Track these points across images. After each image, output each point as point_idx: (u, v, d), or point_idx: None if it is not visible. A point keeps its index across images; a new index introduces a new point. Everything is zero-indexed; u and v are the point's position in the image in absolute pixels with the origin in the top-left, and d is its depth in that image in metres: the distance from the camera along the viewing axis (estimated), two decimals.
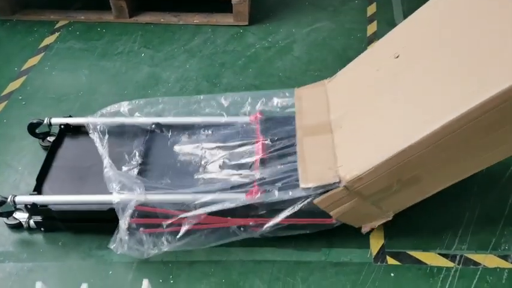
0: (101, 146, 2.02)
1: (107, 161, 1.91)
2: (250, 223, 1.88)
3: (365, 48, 2.90)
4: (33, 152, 2.35)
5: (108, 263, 1.92)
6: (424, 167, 1.67)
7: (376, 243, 1.95)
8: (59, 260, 1.93)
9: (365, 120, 1.85)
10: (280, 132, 2.06)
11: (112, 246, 1.81)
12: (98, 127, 2.10)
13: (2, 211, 1.94)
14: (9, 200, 1.90)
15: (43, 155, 2.17)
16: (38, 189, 1.97)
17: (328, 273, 1.87)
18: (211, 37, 3.05)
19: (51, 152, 2.13)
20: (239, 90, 2.66)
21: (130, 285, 1.84)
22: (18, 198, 1.91)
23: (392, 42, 2.03)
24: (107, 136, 2.09)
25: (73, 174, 2.05)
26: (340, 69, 2.69)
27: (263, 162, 1.93)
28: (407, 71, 1.84)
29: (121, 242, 1.81)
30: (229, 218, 1.86)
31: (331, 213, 1.81)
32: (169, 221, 1.83)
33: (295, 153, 1.92)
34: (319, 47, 2.95)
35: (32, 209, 1.91)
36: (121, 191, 1.81)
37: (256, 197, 1.78)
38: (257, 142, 2.02)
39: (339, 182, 1.70)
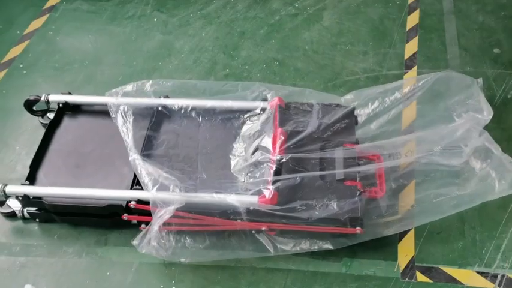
0: (125, 130, 1.81)
1: (133, 151, 1.71)
2: (263, 228, 1.68)
3: (405, 18, 2.56)
4: (32, 129, 2.15)
5: (106, 262, 1.75)
6: None
7: (404, 255, 1.72)
8: (53, 256, 1.77)
9: None
10: (302, 124, 1.81)
11: (135, 242, 1.62)
12: (122, 108, 1.87)
13: None
14: None
15: (42, 132, 1.98)
16: (31, 178, 1.79)
17: (348, 287, 1.66)
18: (232, 0, 2.74)
19: (48, 134, 1.93)
20: (259, 65, 2.39)
21: None
22: (8, 189, 1.73)
23: None
24: (132, 118, 1.85)
25: (70, 160, 1.86)
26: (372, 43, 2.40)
27: (280, 161, 1.68)
28: None
29: (149, 242, 1.61)
30: (239, 221, 1.66)
31: None
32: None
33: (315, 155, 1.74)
34: (352, 16, 2.61)
35: (24, 200, 1.74)
36: (158, 190, 1.61)
37: None
38: (274, 135, 1.77)
39: None
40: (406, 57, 2.38)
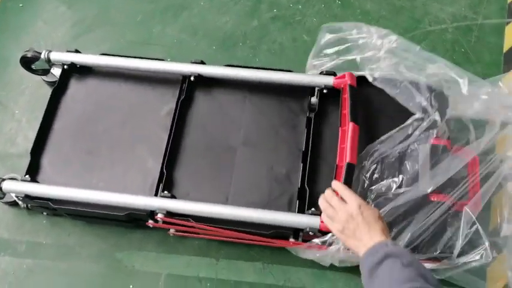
0: None
1: None
2: None
3: None
4: (34, 87, 1.74)
5: (128, 271, 1.45)
6: None
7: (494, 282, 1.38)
8: (65, 259, 1.48)
9: None
10: (378, 110, 1.37)
11: None
12: None
13: None
14: None
15: (47, 92, 1.57)
16: (32, 169, 1.42)
17: None
18: None
19: (51, 105, 1.52)
20: (315, 4, 1.86)
21: None
22: (6, 185, 1.38)
23: None
24: None
25: (81, 144, 1.47)
26: None
27: (350, 169, 1.27)
28: None
29: None
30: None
31: None
32: None
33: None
34: None
35: (26, 199, 1.40)
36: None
37: None
38: (343, 129, 1.35)
39: None
40: None
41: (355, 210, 1.11)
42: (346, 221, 1.11)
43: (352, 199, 1.14)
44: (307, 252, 1.33)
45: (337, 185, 1.20)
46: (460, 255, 1.26)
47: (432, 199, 1.31)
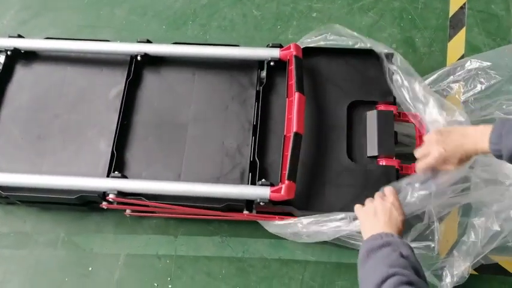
0: None
1: None
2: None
3: None
4: None
5: (87, 254, 1.46)
6: None
7: (446, 240, 1.43)
8: (23, 247, 1.47)
9: None
10: (325, 79, 1.39)
11: None
12: None
13: None
14: None
15: None
16: None
17: None
18: None
19: None
20: None
21: None
22: None
23: None
24: None
25: (30, 129, 1.45)
26: None
27: (296, 138, 1.29)
28: None
29: None
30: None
31: None
32: None
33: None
34: None
35: None
36: None
37: None
38: (289, 99, 1.36)
39: None
40: None
41: (389, 200, 1.16)
42: (375, 204, 1.16)
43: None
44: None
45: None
46: None
47: (380, 163, 1.34)
